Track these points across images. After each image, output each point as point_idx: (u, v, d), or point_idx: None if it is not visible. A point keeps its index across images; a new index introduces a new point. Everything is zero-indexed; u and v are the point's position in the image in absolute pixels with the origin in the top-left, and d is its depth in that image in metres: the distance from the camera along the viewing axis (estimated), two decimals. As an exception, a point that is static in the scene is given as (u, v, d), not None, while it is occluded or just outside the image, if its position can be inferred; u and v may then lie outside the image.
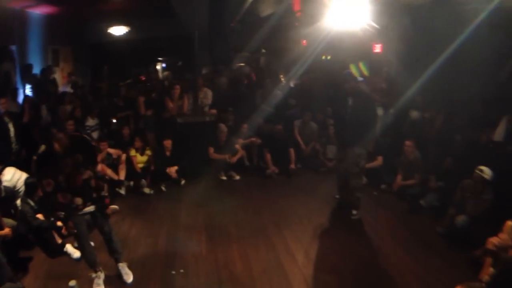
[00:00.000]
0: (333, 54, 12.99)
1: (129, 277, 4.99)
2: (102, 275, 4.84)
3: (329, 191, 7.57)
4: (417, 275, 4.99)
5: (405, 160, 7.44)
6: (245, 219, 6.66)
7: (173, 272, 5.15)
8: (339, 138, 7.32)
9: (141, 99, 9.41)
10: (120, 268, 5.03)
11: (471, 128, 7.46)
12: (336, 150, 8.21)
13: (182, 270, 5.17)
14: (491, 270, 3.85)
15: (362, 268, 5.24)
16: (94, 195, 4.65)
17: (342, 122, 6.76)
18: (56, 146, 4.66)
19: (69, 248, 5.43)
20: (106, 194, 4.87)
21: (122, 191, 7.69)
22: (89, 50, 16.35)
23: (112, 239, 5.00)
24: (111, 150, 7.76)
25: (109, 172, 7.56)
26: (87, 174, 4.47)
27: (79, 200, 4.43)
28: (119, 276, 4.97)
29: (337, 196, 7.15)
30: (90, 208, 4.70)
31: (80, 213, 4.65)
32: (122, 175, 7.76)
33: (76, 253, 5.40)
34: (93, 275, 4.80)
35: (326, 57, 13.35)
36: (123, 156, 7.87)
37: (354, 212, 6.62)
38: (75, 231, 4.76)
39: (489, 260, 3.93)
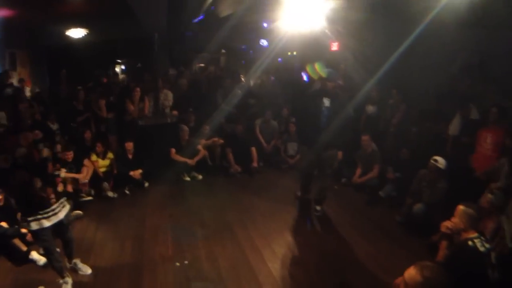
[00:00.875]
0: (289, 58, 13.23)
1: (87, 269, 5.16)
2: (69, 280, 4.85)
3: (291, 188, 7.73)
4: (378, 262, 5.21)
5: (363, 154, 7.68)
6: (210, 218, 6.72)
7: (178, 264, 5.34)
8: (309, 140, 6.67)
9: (102, 102, 9.33)
10: (76, 264, 5.16)
11: (425, 120, 7.72)
12: (301, 150, 8.25)
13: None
14: (446, 252, 4.05)
15: (326, 260, 5.40)
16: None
17: (316, 124, 6.32)
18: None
19: (34, 255, 5.36)
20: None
21: (88, 197, 7.56)
22: (47, 54, 16.04)
23: (73, 245, 5.10)
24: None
25: (73, 175, 7.40)
26: (45, 152, 4.44)
27: (38, 182, 4.37)
28: (86, 279, 5.03)
29: (299, 194, 7.24)
30: (61, 215, 4.68)
31: (50, 218, 4.61)
32: (86, 178, 7.64)
33: (42, 260, 5.34)
34: (61, 281, 4.80)
35: (292, 53, 13.57)
36: (86, 162, 7.77)
37: (318, 208, 6.73)
38: (43, 242, 4.71)
39: (444, 243, 4.12)
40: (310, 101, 6.48)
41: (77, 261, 5.19)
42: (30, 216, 4.42)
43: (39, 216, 4.44)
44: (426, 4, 7.12)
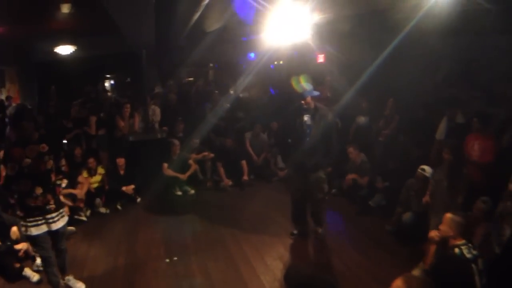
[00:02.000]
0: (277, 66, 13.34)
1: (81, 285, 5.19)
2: None
3: (282, 200, 7.73)
4: (368, 271, 5.25)
5: (353, 165, 7.73)
6: (202, 232, 6.76)
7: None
8: (294, 163, 6.31)
9: (93, 119, 9.37)
10: (69, 280, 5.18)
11: (413, 129, 7.82)
12: (288, 175, 8.00)
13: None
14: (433, 259, 4.14)
15: (319, 270, 5.42)
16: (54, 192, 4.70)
17: (298, 144, 5.98)
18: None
19: (27, 271, 5.39)
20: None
21: (83, 218, 7.55)
22: (36, 70, 16.04)
23: (65, 257, 5.13)
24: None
25: (70, 191, 7.45)
26: (50, 164, 4.56)
27: (39, 189, 4.45)
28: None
29: (295, 232, 6.43)
30: (59, 224, 4.73)
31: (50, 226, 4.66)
32: (82, 202, 7.62)
33: (35, 277, 5.37)
34: None
35: (278, 62, 13.69)
36: (81, 179, 7.78)
37: (319, 230, 6.25)
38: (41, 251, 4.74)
39: (431, 251, 4.20)
40: (291, 119, 6.14)
41: (70, 277, 5.21)
42: (30, 221, 4.49)
43: (39, 222, 4.51)
44: (407, 13, 7.24)
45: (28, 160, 4.36)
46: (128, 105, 9.51)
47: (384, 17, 8.11)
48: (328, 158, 6.03)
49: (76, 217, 7.42)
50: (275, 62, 13.23)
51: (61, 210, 4.81)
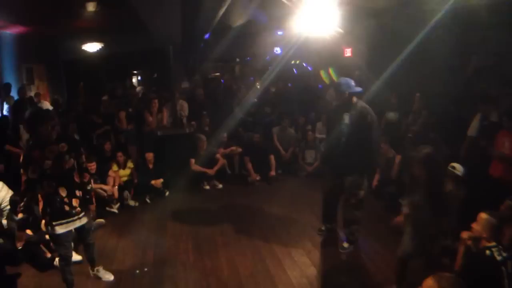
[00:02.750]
0: (304, 60, 13.28)
1: (110, 276, 5.26)
2: None
3: (310, 195, 7.76)
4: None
5: (383, 161, 7.65)
6: (230, 226, 6.77)
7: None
8: (331, 164, 6.00)
9: (123, 114, 9.49)
10: (98, 271, 5.25)
11: (443, 125, 7.68)
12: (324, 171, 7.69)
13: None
14: (463, 261, 4.07)
15: (346, 267, 5.42)
16: (79, 193, 4.70)
17: (335, 143, 5.64)
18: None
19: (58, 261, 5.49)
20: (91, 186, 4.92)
21: (115, 209, 7.70)
22: (63, 67, 16.32)
23: (93, 250, 5.18)
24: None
25: (100, 186, 7.59)
26: (71, 163, 4.55)
27: (63, 190, 4.48)
28: (109, 287, 5.15)
29: (323, 229, 6.28)
30: (84, 220, 4.77)
31: (73, 224, 4.69)
32: (115, 193, 7.78)
33: (77, 257, 5.49)
34: None
35: (295, 62, 13.62)
36: (111, 173, 7.91)
37: (345, 245, 5.81)
38: (63, 249, 4.71)
39: (461, 251, 4.13)
40: (332, 116, 5.86)
41: (99, 268, 5.28)
42: (55, 221, 4.53)
43: (64, 221, 4.55)
44: (435, 5, 7.11)
45: (49, 162, 4.36)
46: (156, 101, 9.60)
47: (412, 10, 7.99)
48: (367, 162, 5.56)
49: (107, 209, 7.59)
50: (292, 62, 13.14)
51: (86, 209, 4.83)
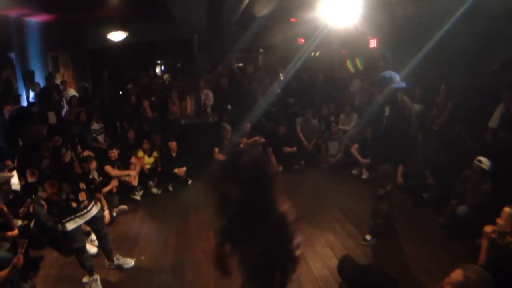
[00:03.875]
0: (329, 50, 13.16)
1: (130, 262, 5.33)
2: (98, 277, 4.97)
3: (332, 187, 7.83)
4: (419, 264, 5.11)
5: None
6: (252, 216, 6.78)
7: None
8: (371, 152, 6.43)
9: (146, 103, 9.57)
10: (118, 259, 5.32)
11: (468, 118, 7.56)
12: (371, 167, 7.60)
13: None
14: (487, 255, 4.02)
15: (368, 260, 5.33)
16: (83, 185, 4.64)
17: (376, 134, 5.93)
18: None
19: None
20: (94, 178, 4.84)
21: (138, 197, 7.80)
22: (88, 56, 16.50)
23: (108, 240, 5.17)
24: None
25: (121, 173, 7.71)
26: (68, 156, 4.42)
27: (66, 187, 4.43)
28: (130, 272, 5.26)
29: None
30: (94, 211, 4.75)
31: (83, 216, 4.66)
32: (135, 181, 7.86)
33: (93, 249, 5.56)
34: (90, 278, 4.92)
35: (315, 54, 13.52)
36: (134, 159, 8.01)
37: (368, 237, 5.79)
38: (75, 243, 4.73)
39: (485, 246, 4.08)
40: (376, 109, 5.73)
41: (118, 256, 5.34)
42: (64, 218, 4.50)
43: (73, 216, 4.52)
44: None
45: (46, 160, 4.24)
46: (174, 90, 9.69)
47: (437, 2, 7.85)
48: (400, 154, 5.46)
49: (131, 196, 7.71)
50: (312, 54, 13.01)
51: (93, 200, 4.80)
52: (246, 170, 2.31)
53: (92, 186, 4.66)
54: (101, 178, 7.16)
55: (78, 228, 4.65)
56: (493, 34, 7.64)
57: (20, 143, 6.93)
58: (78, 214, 4.50)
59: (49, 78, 10.81)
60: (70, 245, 4.72)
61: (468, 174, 5.89)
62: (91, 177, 4.68)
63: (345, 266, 2.37)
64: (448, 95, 8.10)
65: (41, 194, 4.30)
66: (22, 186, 4.19)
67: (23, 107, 9.39)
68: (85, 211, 4.56)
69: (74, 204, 4.45)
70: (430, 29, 8.06)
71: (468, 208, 5.71)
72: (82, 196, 4.51)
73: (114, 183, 7.38)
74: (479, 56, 7.89)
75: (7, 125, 7.93)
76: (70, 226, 4.50)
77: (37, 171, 4.15)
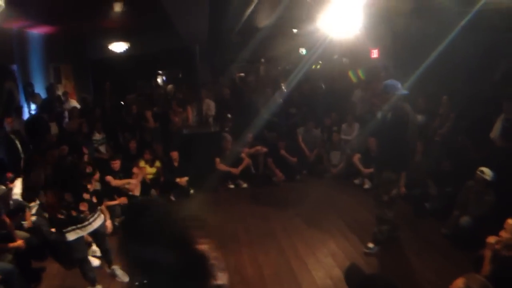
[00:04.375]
0: (330, 61, 13.20)
1: (125, 277, 5.20)
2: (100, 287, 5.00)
3: (334, 197, 7.85)
4: (422, 275, 5.10)
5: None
6: (254, 225, 6.80)
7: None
8: (374, 159, 6.54)
9: (149, 113, 9.59)
10: (114, 270, 5.28)
11: (471, 129, 7.55)
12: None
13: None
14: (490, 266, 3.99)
15: (371, 270, 5.29)
16: (87, 196, 4.63)
17: (379, 141, 6.06)
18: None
19: (87, 258, 5.56)
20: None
21: None
22: (90, 67, 16.55)
23: (110, 253, 5.19)
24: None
25: (122, 182, 7.64)
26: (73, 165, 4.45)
27: (68, 196, 4.42)
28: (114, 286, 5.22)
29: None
30: (95, 225, 4.76)
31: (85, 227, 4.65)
32: (137, 191, 7.80)
33: (95, 261, 5.54)
34: None
35: (315, 66, 13.56)
36: (135, 169, 7.98)
37: (371, 245, 5.78)
38: (77, 254, 4.77)
39: (488, 257, 4.05)
40: (381, 118, 5.74)
41: (116, 267, 5.31)
42: (65, 229, 4.51)
43: (74, 227, 4.52)
44: (463, 7, 7.00)
45: (50, 167, 4.28)
46: (174, 102, 9.79)
47: (440, 11, 7.87)
48: (400, 159, 5.48)
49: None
50: (313, 66, 13.05)
51: (96, 212, 4.80)
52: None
53: (95, 199, 4.72)
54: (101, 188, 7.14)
55: (79, 239, 4.66)
56: (494, 45, 7.66)
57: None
58: (79, 225, 4.51)
59: (50, 89, 10.82)
60: (72, 255, 4.72)
61: (471, 184, 5.88)
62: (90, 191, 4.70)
63: (352, 274, 2.36)
64: (450, 106, 8.11)
65: (42, 199, 4.33)
66: (24, 189, 4.21)
67: (38, 115, 9.48)
68: (86, 222, 4.57)
69: (74, 213, 4.46)
70: (432, 40, 8.07)
71: (471, 219, 5.68)
72: (83, 206, 4.52)
73: (122, 200, 7.33)
74: (481, 67, 7.89)
75: (7, 137, 7.96)
76: (71, 236, 4.51)
77: (42, 175, 4.20)
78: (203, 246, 2.13)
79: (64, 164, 4.34)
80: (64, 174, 4.37)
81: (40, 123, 8.92)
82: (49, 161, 4.20)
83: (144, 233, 1.96)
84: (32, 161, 4.21)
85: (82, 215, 4.53)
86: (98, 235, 4.92)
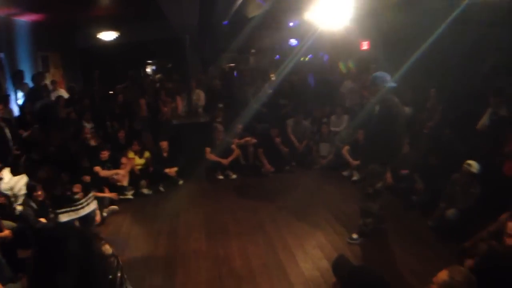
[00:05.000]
0: (319, 52, 13.22)
1: None
2: None
3: (323, 188, 7.89)
4: (408, 266, 5.13)
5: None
6: (243, 216, 6.81)
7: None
8: (362, 152, 6.52)
9: (142, 101, 9.61)
10: None
11: (458, 121, 7.61)
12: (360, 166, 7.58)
13: None
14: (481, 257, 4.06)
15: (358, 261, 5.33)
16: (87, 178, 4.68)
17: (367, 134, 6.10)
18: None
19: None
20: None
21: (130, 196, 7.79)
22: (79, 55, 16.41)
23: None
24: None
25: (110, 172, 7.62)
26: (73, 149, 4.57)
27: (64, 177, 4.48)
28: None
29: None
30: (88, 209, 4.80)
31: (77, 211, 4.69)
32: (125, 181, 7.84)
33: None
34: None
35: (304, 59, 13.56)
36: (124, 160, 7.99)
37: (355, 236, 5.82)
38: None
39: (482, 249, 4.11)
40: (368, 109, 5.92)
41: None
42: (59, 209, 4.55)
43: (68, 209, 4.57)
44: (450, 1, 7.04)
45: (52, 149, 4.36)
46: (163, 92, 9.80)
47: (429, 4, 7.91)
48: (387, 152, 5.45)
49: (121, 196, 7.63)
50: (301, 59, 13.03)
51: (89, 196, 4.84)
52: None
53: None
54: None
55: (71, 222, 4.68)
56: (483, 39, 7.70)
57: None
58: (73, 208, 4.56)
59: (37, 78, 10.71)
60: None
61: (457, 177, 5.92)
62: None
63: (340, 266, 2.41)
64: (438, 99, 8.16)
65: (40, 174, 4.41)
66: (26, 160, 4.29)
67: (47, 103, 9.46)
68: (79, 206, 4.62)
69: (67, 193, 4.52)
70: (421, 32, 8.10)
71: (457, 211, 5.74)
72: (77, 187, 4.59)
73: (112, 195, 7.32)
74: (469, 60, 7.94)
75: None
76: (64, 218, 4.59)
77: (42, 152, 4.30)
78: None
79: (70, 146, 4.45)
80: (67, 156, 4.47)
81: (52, 110, 8.94)
82: (53, 142, 4.29)
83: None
84: (36, 138, 4.29)
85: (75, 196, 4.58)
86: (87, 220, 4.95)
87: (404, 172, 7.32)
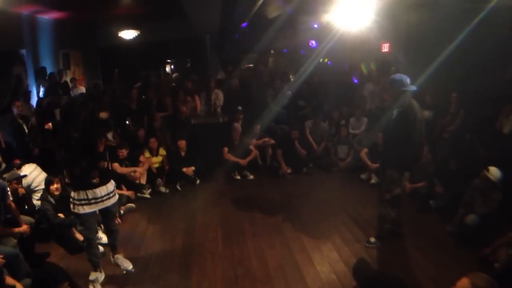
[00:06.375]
0: (341, 55, 13.15)
1: (129, 265, 5.26)
2: (102, 275, 5.03)
3: (341, 190, 7.84)
4: (427, 272, 5.05)
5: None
6: (259, 217, 6.78)
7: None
8: (380, 156, 6.36)
9: (169, 99, 9.83)
10: (118, 258, 5.31)
11: (479, 126, 7.51)
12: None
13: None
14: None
15: (376, 266, 5.30)
16: (104, 164, 4.75)
17: (385, 138, 5.91)
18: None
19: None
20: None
21: (147, 195, 7.79)
22: (99, 54, 16.58)
23: (117, 237, 5.26)
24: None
25: (128, 169, 7.68)
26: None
27: (84, 160, 4.56)
28: (136, 272, 5.24)
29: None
30: (108, 203, 4.83)
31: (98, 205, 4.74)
32: (143, 179, 7.86)
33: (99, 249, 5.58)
34: (94, 273, 4.94)
35: (323, 60, 13.48)
36: (142, 158, 8.03)
37: (372, 240, 5.79)
38: (85, 231, 4.84)
39: (503, 255, 4.05)
40: (388, 112, 5.66)
41: (119, 255, 5.34)
42: (78, 199, 4.60)
43: (87, 201, 4.60)
44: (476, 3, 6.94)
45: (76, 134, 4.48)
46: (181, 91, 9.86)
47: (453, 8, 7.80)
48: (405, 158, 5.31)
49: (139, 194, 7.67)
50: (320, 60, 12.95)
51: (110, 189, 4.84)
52: None
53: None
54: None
55: (91, 214, 4.76)
56: (507, 43, 7.58)
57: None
58: (91, 199, 4.61)
59: (52, 77, 10.85)
60: (80, 231, 4.86)
61: (477, 182, 5.82)
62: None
63: (361, 269, 2.37)
64: (460, 103, 8.05)
65: (60, 155, 4.57)
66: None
67: (72, 100, 9.62)
68: (99, 199, 4.68)
69: (86, 177, 4.61)
70: (443, 35, 8.02)
71: (477, 217, 5.65)
72: (95, 173, 4.64)
73: (129, 193, 7.42)
74: (493, 64, 7.82)
75: (15, 121, 8.05)
76: (83, 210, 4.62)
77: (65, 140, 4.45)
78: None
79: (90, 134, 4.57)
80: (87, 140, 4.57)
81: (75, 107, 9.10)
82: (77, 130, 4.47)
83: None
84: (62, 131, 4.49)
85: (93, 181, 4.62)
86: (109, 214, 4.99)
87: (421, 184, 7.19)
